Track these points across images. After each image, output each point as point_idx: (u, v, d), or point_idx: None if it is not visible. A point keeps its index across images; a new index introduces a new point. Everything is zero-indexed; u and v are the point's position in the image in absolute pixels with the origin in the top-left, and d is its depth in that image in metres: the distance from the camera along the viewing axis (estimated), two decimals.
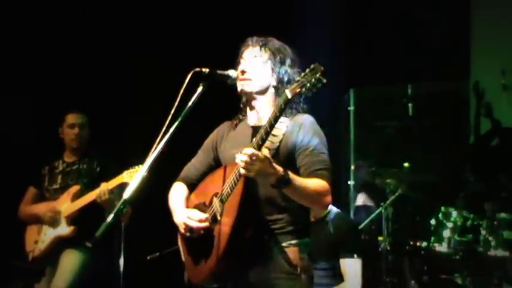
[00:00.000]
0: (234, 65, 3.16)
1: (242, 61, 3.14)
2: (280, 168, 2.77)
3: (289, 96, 2.77)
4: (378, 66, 6.34)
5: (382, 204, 5.57)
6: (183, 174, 3.34)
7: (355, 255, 4.49)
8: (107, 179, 4.56)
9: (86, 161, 5.00)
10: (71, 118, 5.04)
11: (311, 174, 2.93)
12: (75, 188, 4.84)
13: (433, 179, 6.04)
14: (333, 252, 4.52)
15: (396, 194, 5.58)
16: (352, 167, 6.68)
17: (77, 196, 4.79)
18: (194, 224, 3.02)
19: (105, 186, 4.54)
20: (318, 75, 2.71)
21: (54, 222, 4.80)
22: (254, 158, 2.70)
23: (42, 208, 4.89)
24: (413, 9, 6.24)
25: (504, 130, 6.17)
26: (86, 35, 6.00)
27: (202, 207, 3.11)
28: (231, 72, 3.09)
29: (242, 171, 2.74)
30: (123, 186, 4.34)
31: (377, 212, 5.63)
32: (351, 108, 6.78)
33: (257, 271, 2.97)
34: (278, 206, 2.99)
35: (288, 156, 2.97)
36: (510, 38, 6.47)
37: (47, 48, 5.94)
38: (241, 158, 2.71)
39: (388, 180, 5.67)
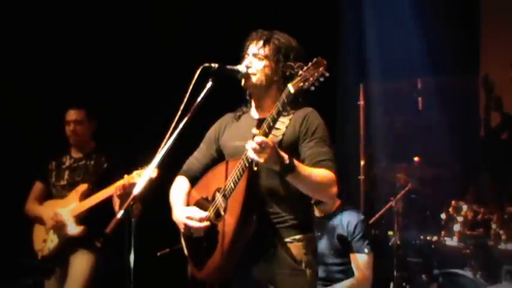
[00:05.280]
0: (239, 59, 3.16)
1: (247, 56, 3.15)
2: (286, 156, 2.78)
3: (292, 91, 2.76)
4: (387, 61, 6.33)
5: (392, 198, 5.56)
6: (186, 168, 3.34)
7: (366, 250, 4.48)
8: (115, 176, 4.43)
9: (94, 158, 4.94)
10: (67, 115, 4.98)
11: (316, 165, 2.92)
12: (83, 187, 4.79)
13: (443, 173, 6.03)
14: (344, 247, 4.52)
15: (406, 189, 5.57)
16: (362, 162, 6.66)
17: (85, 195, 4.74)
18: (194, 224, 3.02)
19: (123, 182, 4.33)
20: (320, 69, 2.71)
21: (57, 230, 4.76)
22: (264, 145, 2.69)
23: (45, 212, 4.84)
24: (423, 4, 6.21)
25: None
26: (94, 29, 5.98)
27: (204, 202, 3.11)
28: (241, 67, 3.08)
29: (253, 156, 2.71)
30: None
31: (387, 206, 5.63)
32: (360, 102, 6.75)
33: (261, 267, 2.98)
34: (279, 198, 2.99)
35: (291, 150, 2.95)
36: None
37: (55, 41, 5.91)
38: (251, 145, 2.71)
39: (398, 175, 5.67)
